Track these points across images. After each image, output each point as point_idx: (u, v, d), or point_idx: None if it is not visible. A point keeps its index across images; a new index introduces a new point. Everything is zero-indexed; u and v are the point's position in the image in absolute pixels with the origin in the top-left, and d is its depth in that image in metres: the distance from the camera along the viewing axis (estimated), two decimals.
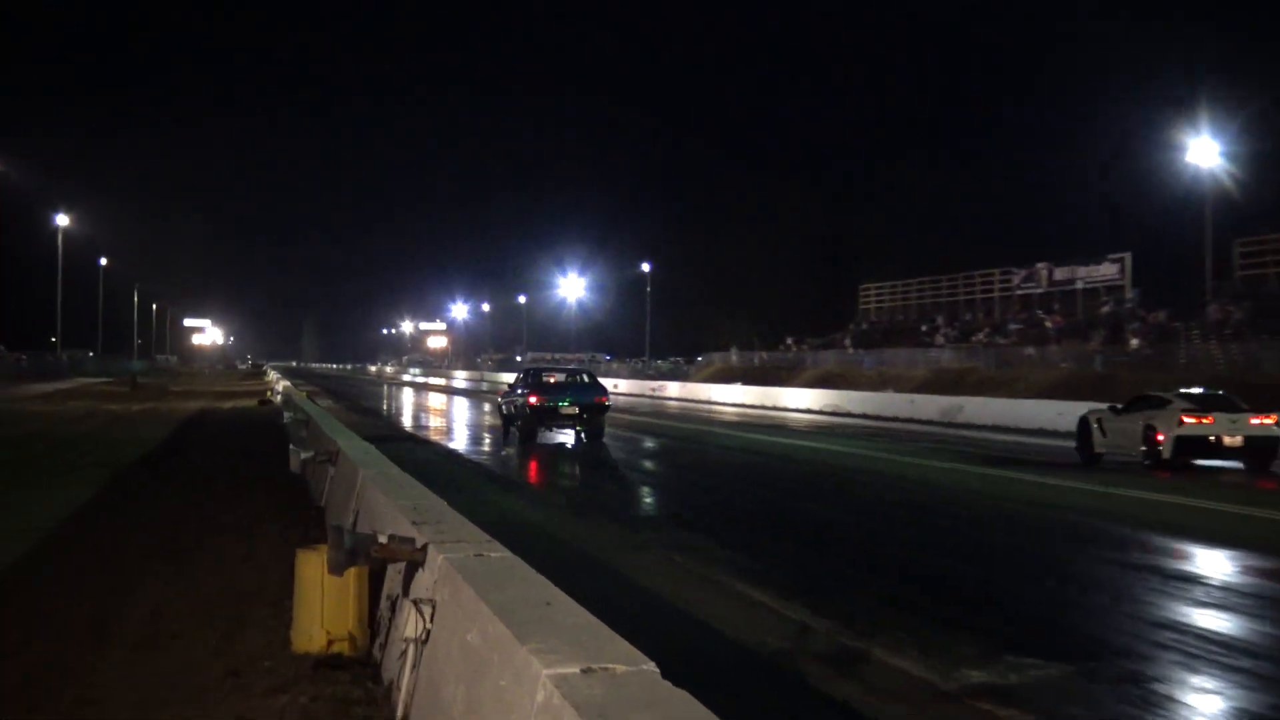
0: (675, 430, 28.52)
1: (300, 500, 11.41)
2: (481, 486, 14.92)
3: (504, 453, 20.62)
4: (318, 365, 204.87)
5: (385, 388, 68.74)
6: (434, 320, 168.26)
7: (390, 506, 6.23)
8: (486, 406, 40.59)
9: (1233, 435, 16.34)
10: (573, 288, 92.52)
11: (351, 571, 5.33)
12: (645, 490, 15.76)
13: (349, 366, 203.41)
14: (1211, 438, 16.35)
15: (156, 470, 14.95)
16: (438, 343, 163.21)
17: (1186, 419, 16.44)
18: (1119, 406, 18.39)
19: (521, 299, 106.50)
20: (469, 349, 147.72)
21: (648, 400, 52.08)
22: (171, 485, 13.12)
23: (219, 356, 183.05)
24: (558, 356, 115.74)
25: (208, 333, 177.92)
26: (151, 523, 10.22)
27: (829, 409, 40.09)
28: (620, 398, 54.75)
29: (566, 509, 12.80)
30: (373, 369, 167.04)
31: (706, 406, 45.81)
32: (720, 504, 13.79)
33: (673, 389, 56.68)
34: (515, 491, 14.56)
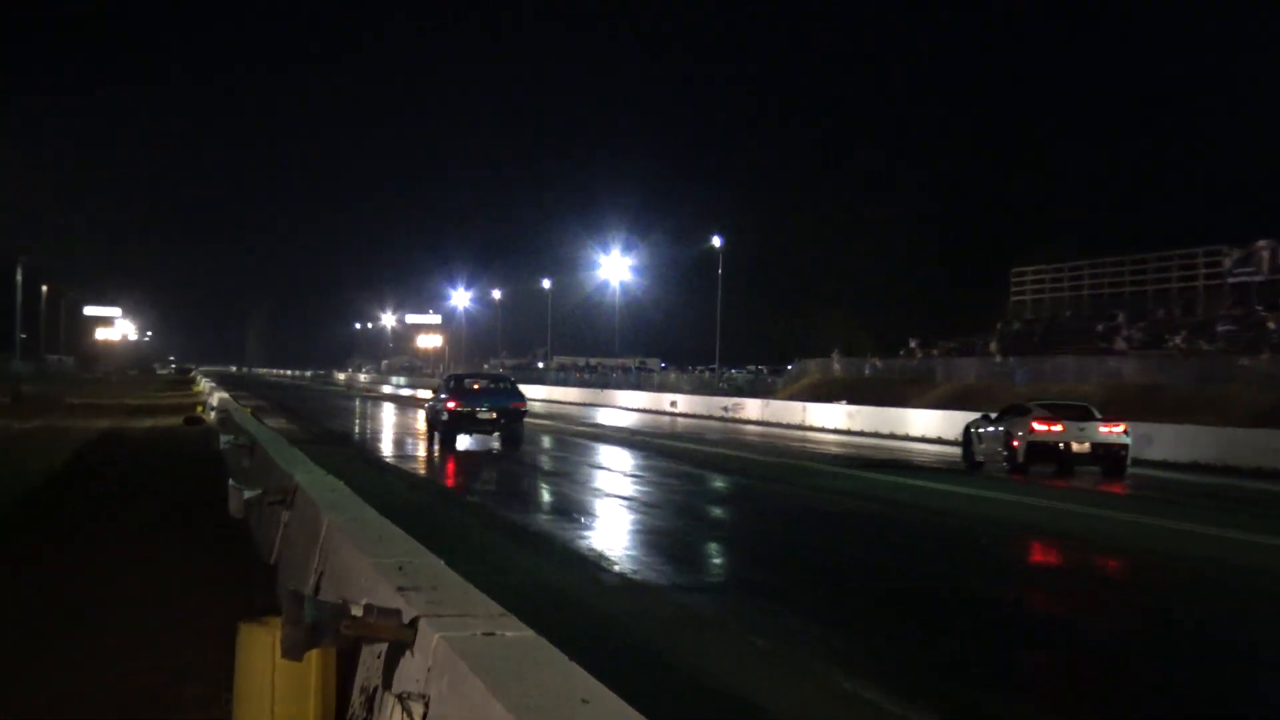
0: (755, 465, 28.42)
1: (242, 555, 11.48)
2: (489, 538, 14.95)
3: (482, 477, 20.77)
4: (267, 371, 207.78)
5: (358, 402, 69.41)
6: (425, 312, 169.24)
7: (367, 565, 6.22)
8: None
9: (1080, 442, 22.80)
10: (616, 269, 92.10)
11: (314, 655, 5.31)
12: (712, 547, 15.71)
13: (308, 374, 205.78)
14: (1061, 444, 22.78)
15: (43, 514, 14.96)
16: (430, 342, 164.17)
17: (1037, 426, 22.70)
18: (992, 415, 25.38)
19: (546, 283, 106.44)
20: (474, 351, 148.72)
21: (717, 424, 52.07)
22: (64, 535, 13.13)
23: (132, 358, 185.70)
24: (595, 362, 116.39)
25: (117, 326, 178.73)
26: (33, 589, 10.18)
27: None
28: (680, 420, 54.92)
29: (606, 571, 12.77)
30: (341, 376, 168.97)
31: (798, 433, 45.69)
32: (816, 568, 13.73)
33: (752, 408, 56.61)
34: (534, 545, 14.56)
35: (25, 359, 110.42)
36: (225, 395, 43.92)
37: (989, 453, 25.30)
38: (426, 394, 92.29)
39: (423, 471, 24.81)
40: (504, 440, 31.02)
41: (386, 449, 32.06)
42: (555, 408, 67.71)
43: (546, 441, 35.68)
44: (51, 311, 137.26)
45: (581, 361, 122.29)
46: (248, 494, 11.40)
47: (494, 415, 30.61)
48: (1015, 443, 24.05)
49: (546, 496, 21.18)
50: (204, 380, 78.85)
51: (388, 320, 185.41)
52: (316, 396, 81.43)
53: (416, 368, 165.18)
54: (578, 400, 78.13)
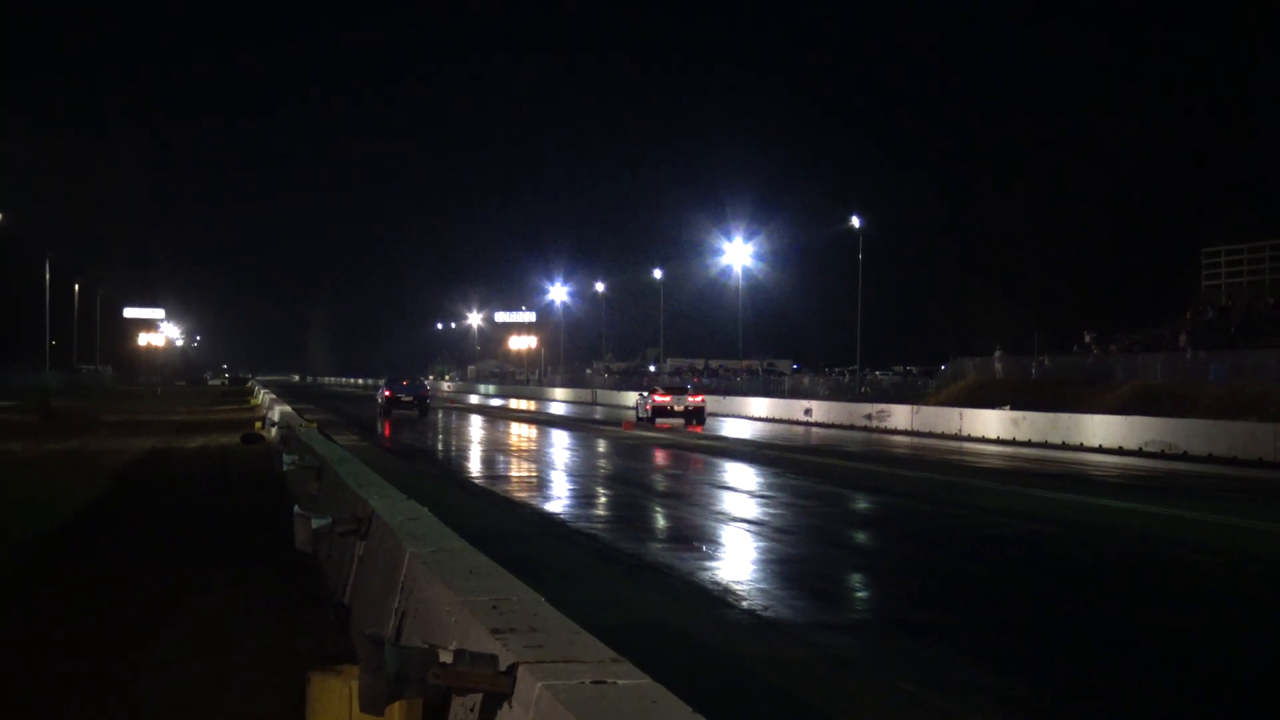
0: (904, 482, 28.18)
1: (311, 594, 11.60)
2: (598, 571, 14.97)
3: (597, 499, 20.83)
4: (334, 380, 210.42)
5: (441, 415, 70.10)
6: (517, 309, 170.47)
7: (457, 603, 6.23)
8: (603, 445, 40.89)
9: (680, 405, 53.39)
10: (738, 256, 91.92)
11: (396, 708, 5.32)
12: (855, 578, 15.58)
13: (383, 383, 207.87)
14: (670, 406, 52.36)
15: (79, 553, 14.99)
16: (524, 343, 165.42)
17: (657, 397, 51.81)
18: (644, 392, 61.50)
19: (657, 274, 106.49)
20: (573, 353, 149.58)
21: (859, 434, 51.75)
22: (103, 577, 13.18)
23: (179, 367, 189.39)
24: (715, 365, 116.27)
25: (162, 330, 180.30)
26: (71, 634, 10.31)
27: (1153, 447, 39.09)
28: (816, 430, 54.66)
29: (733, 607, 12.71)
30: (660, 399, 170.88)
31: (954, 443, 45.26)
32: (979, 602, 13.59)
33: (899, 416, 56.15)
34: (650, 579, 14.54)
35: (56, 369, 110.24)
36: (287, 408, 44.42)
37: (640, 412, 56.09)
38: (520, 404, 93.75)
39: (519, 494, 24.94)
40: (420, 412, 50.72)
41: (475, 468, 32.32)
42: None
43: (661, 458, 35.73)
44: (85, 314, 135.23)
45: (699, 364, 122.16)
46: (316, 523, 11.45)
47: (411, 398, 58.10)
48: (648, 405, 52.77)
49: (663, 522, 21.16)
50: (262, 391, 79.77)
51: (474, 319, 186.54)
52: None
53: (508, 373, 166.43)
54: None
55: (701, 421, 56.56)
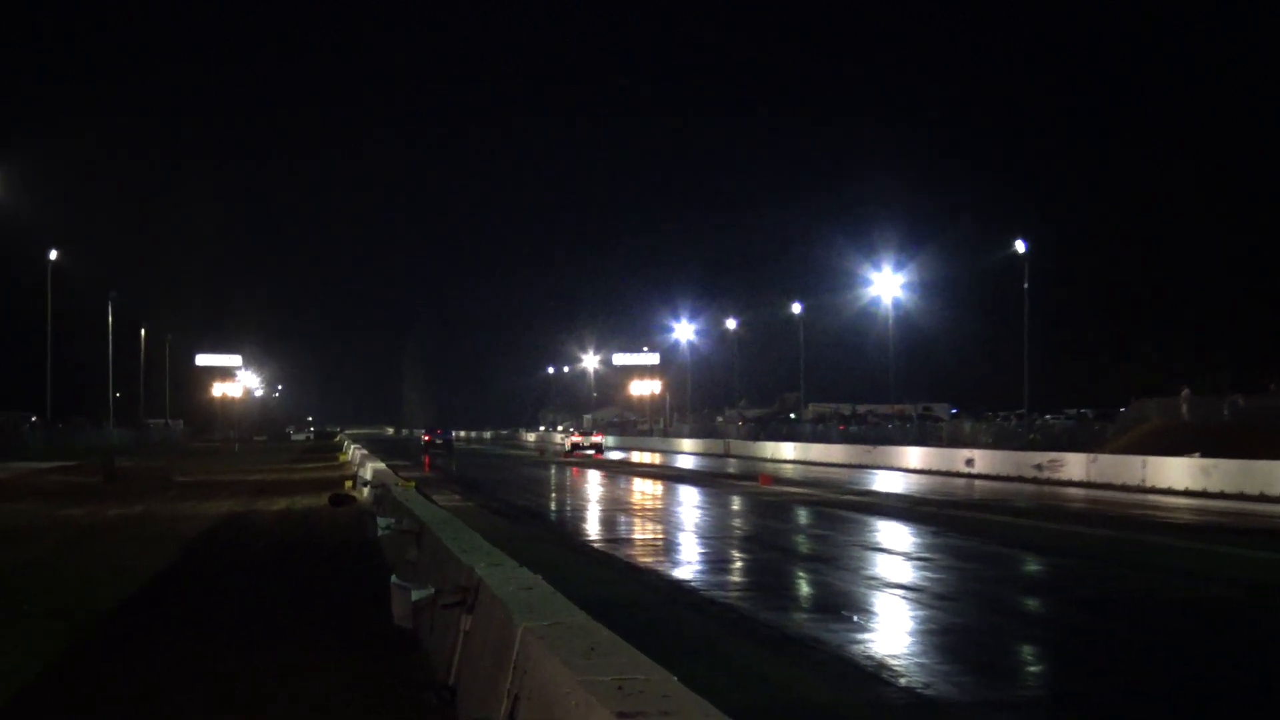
0: (1080, 541, 27.84)
1: (411, 674, 11.66)
2: (736, 645, 14.92)
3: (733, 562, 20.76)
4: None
5: (554, 470, 70.38)
6: (639, 350, 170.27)
7: (576, 684, 6.24)
8: (738, 502, 40.80)
9: (587, 442, 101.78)
10: (887, 288, 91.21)
11: None
12: (1026, 651, 15.39)
13: (487, 435, 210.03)
14: (583, 445, 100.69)
15: (148, 631, 15.04)
16: (646, 388, 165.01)
17: (574, 438, 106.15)
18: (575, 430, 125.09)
19: (796, 308, 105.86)
20: (702, 399, 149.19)
21: (1028, 487, 51.16)
22: (177, 655, 13.32)
23: (259, 421, 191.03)
24: (863, 410, 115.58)
25: (239, 380, 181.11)
26: None
27: None
28: (979, 483, 54.15)
29: (889, 685, 12.61)
30: (530, 437, 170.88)
31: (1136, 495, 44.57)
32: (1172, 679, 13.41)
33: (1074, 465, 55.42)
34: (795, 653, 14.47)
35: (121, 425, 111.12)
36: (381, 465, 44.37)
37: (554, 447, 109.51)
38: (643, 457, 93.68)
39: (644, 559, 24.91)
40: (446, 454, 74.99)
41: (593, 530, 32.34)
42: (814, 472, 67.42)
43: (804, 516, 35.57)
44: (154, 362, 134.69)
45: (845, 409, 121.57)
46: (416, 595, 11.52)
47: (440, 443, 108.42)
48: (569, 443, 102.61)
49: (808, 589, 21.07)
50: (352, 447, 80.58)
51: (590, 362, 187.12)
52: (499, 464, 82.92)
53: (628, 423, 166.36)
54: (842, 460, 77.64)
55: (601, 453, 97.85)
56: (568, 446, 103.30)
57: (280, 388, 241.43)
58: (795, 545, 28.13)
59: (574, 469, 71.38)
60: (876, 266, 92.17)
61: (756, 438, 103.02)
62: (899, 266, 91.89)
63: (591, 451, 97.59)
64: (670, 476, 61.19)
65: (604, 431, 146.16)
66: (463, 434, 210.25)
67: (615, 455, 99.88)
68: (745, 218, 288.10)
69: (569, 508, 41.34)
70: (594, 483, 56.71)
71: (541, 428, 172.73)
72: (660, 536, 30.64)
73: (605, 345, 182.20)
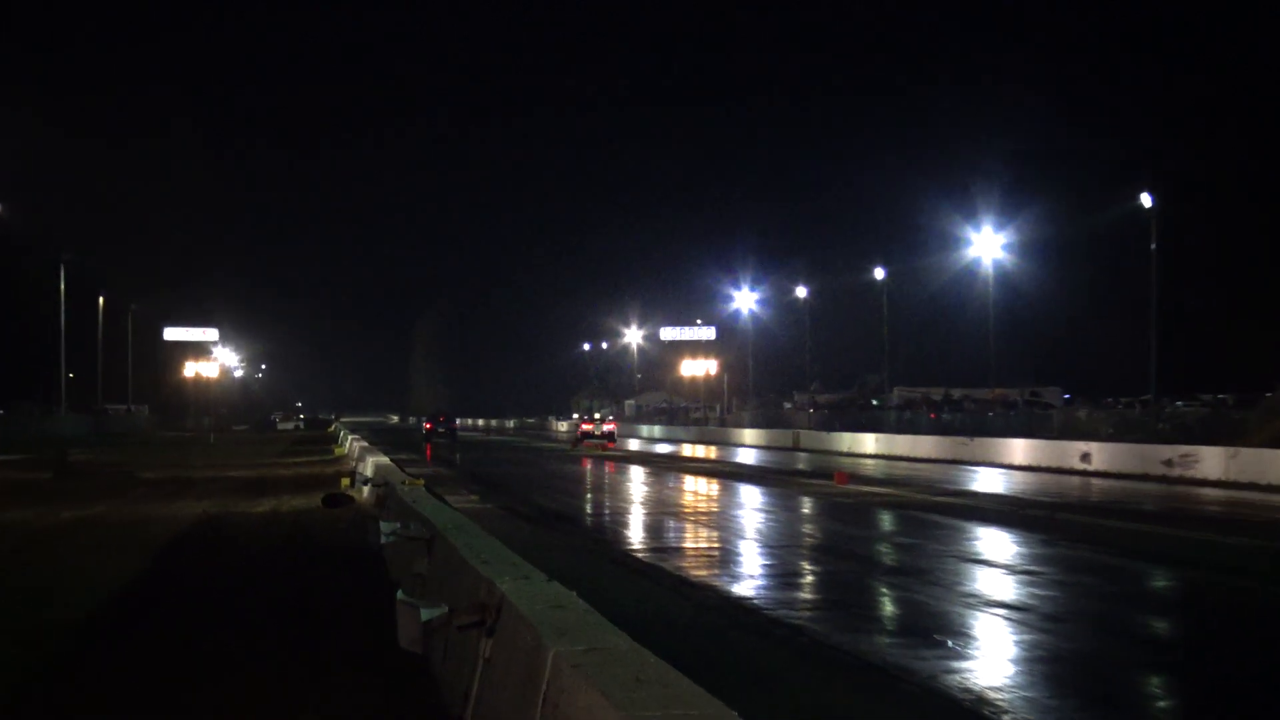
0: (1216, 551, 27.87)
1: (417, 707, 11.73)
2: (800, 673, 14.99)
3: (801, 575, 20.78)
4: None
5: (590, 466, 70.38)
6: (692, 323, 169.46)
7: None
8: (809, 504, 40.79)
9: (598, 430, 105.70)
10: (988, 247, 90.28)
11: None
12: (1153, 682, 15.35)
13: (510, 424, 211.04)
14: (593, 432, 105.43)
15: (111, 658, 15.01)
16: (699, 368, 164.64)
17: (583, 426, 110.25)
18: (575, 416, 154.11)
19: (879, 273, 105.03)
20: (767, 382, 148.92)
21: (1156, 486, 50.99)
22: (146, 685, 13.33)
23: (240, 406, 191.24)
24: (958, 395, 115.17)
25: (215, 358, 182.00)
26: None
27: None
28: (1096, 481, 53.98)
29: None
30: (561, 427, 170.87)
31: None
32: None
33: (1210, 461, 55.15)
34: (877, 684, 14.48)
35: (76, 410, 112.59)
36: (384, 460, 44.40)
37: (569, 440, 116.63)
38: (696, 450, 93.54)
39: (696, 571, 24.92)
40: (449, 439, 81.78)
41: (636, 537, 32.38)
42: (900, 468, 67.28)
43: (888, 522, 35.55)
44: (115, 338, 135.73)
45: (936, 394, 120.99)
46: (427, 614, 11.53)
47: (444, 430, 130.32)
48: (579, 431, 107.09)
49: (892, 607, 21.07)
50: (350, 438, 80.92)
51: (632, 338, 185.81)
52: (524, 457, 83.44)
53: (678, 409, 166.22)
54: (933, 455, 77.44)
55: (613, 442, 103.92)
56: (576, 435, 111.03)
57: (264, 367, 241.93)
58: (877, 555, 28.15)
59: (610, 464, 71.42)
60: (974, 226, 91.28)
61: (831, 427, 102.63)
62: (1000, 226, 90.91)
63: (603, 441, 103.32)
64: (727, 473, 61.29)
65: (650, 420, 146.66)
66: (480, 423, 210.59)
67: (663, 448, 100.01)
68: (816, 172, 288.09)
69: (607, 510, 41.47)
70: (637, 481, 56.74)
71: (575, 415, 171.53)
72: (716, 545, 30.68)
73: (651, 318, 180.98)
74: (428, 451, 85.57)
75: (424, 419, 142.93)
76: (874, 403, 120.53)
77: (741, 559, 27.62)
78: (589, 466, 69.79)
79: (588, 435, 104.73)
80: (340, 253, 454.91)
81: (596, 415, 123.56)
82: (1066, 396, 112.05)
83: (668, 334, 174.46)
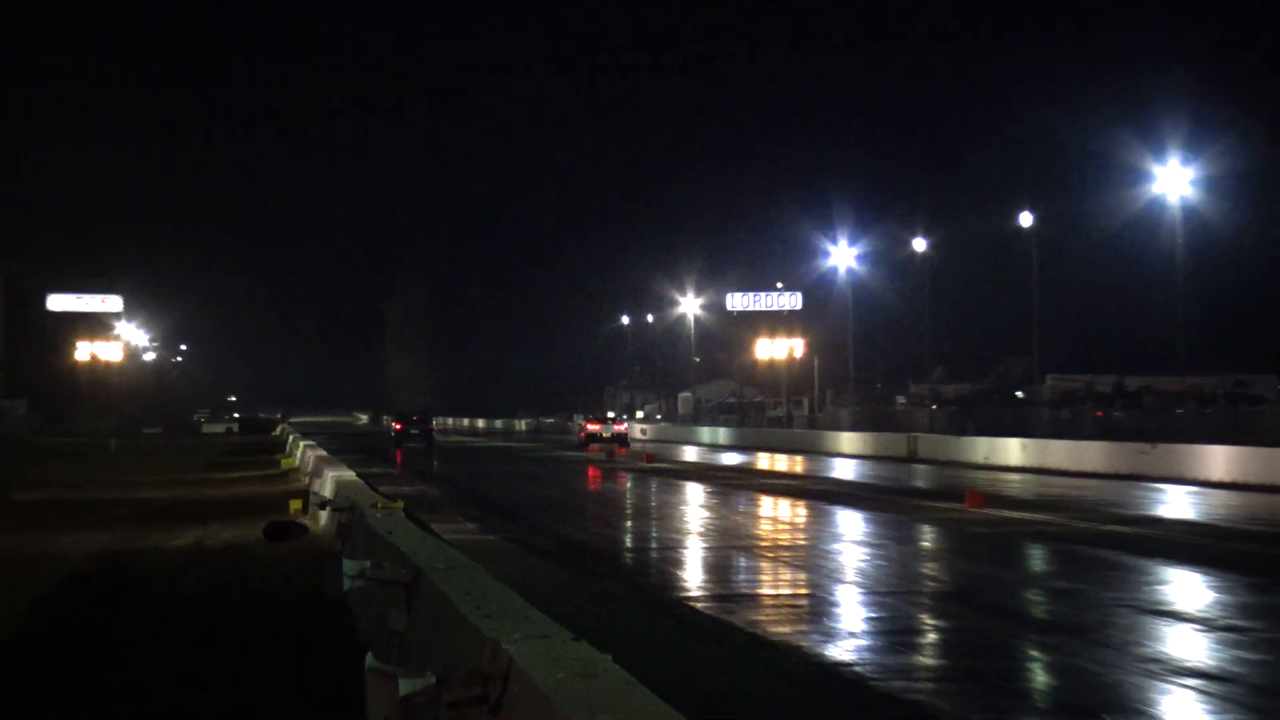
0: None
1: None
2: None
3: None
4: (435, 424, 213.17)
5: (630, 483, 70.54)
6: (770, 289, 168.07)
7: None
8: (930, 536, 40.82)
9: (607, 432, 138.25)
10: (1173, 183, 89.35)
11: None
12: None
13: (521, 425, 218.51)
14: (600, 433, 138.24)
15: None
16: (781, 349, 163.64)
17: (590, 425, 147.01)
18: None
19: (1026, 220, 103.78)
20: (873, 367, 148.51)
21: None
22: None
23: (151, 402, 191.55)
24: (1137, 385, 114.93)
25: (120, 335, 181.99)
26: None
27: None
28: None
29: None
30: (592, 427, 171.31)
31: None
32: None
33: None
34: None
35: None
36: (349, 475, 43.77)
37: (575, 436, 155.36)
38: (776, 462, 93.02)
39: (777, 627, 24.96)
40: (426, 445, 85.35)
41: (694, 580, 32.45)
42: (1054, 485, 67.06)
43: (1039, 559, 35.65)
44: None
45: (1104, 384, 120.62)
46: (408, 685, 11.59)
47: (418, 431, 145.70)
48: (581, 433, 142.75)
49: (1046, 678, 21.12)
50: (302, 444, 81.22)
51: (689, 308, 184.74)
52: (539, 471, 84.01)
53: (750, 405, 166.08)
54: (1101, 467, 77.16)
55: (625, 446, 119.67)
56: (580, 438, 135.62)
57: (185, 349, 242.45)
58: (1025, 606, 28.24)
59: (657, 479, 71.47)
60: (1154, 156, 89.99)
61: (960, 430, 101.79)
62: (1189, 158, 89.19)
63: (613, 445, 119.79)
64: (818, 492, 61.34)
65: (713, 419, 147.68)
66: (480, 424, 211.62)
67: (732, 458, 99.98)
68: (943, 92, 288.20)
69: (653, 543, 41.78)
70: (694, 502, 56.89)
71: (610, 414, 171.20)
72: (803, 591, 30.83)
73: (714, 283, 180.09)
74: (398, 459, 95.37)
75: (392, 420, 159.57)
76: (1018, 396, 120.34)
77: (839, 610, 27.68)
78: (628, 484, 69.96)
79: (594, 438, 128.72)
80: (295, 202, 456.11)
81: (610, 414, 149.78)
82: None
83: (737, 302, 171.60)
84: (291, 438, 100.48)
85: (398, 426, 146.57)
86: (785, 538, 42.84)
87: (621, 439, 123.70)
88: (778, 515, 50.30)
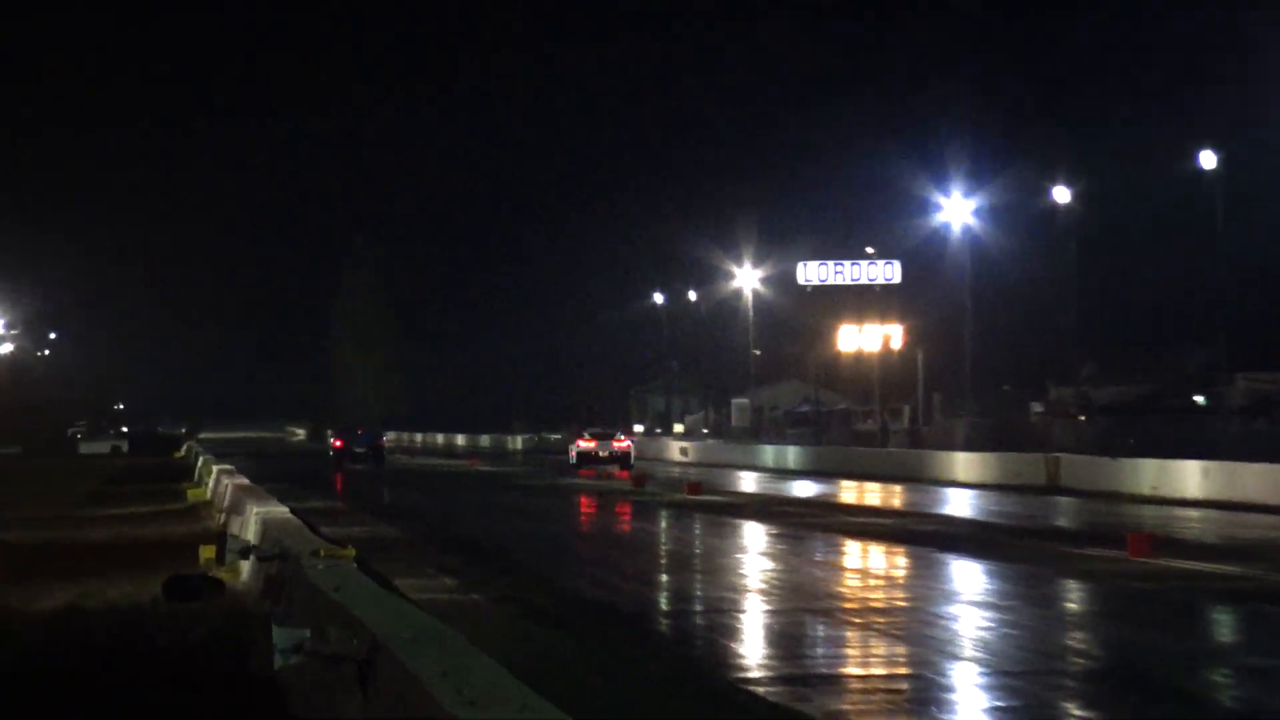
0: None
1: None
2: None
3: None
4: (392, 439, 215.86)
5: (663, 519, 70.91)
6: (857, 258, 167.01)
7: None
8: (1077, 595, 40.74)
9: (604, 451, 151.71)
10: None
11: None
12: None
13: (518, 441, 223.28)
14: (596, 453, 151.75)
15: None
16: (872, 338, 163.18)
17: (582, 442, 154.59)
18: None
19: (1209, 161, 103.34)
20: (997, 364, 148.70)
21: None
22: None
23: (8, 407, 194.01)
24: None
25: None
26: None
27: None
28: None
29: None
30: (585, 445, 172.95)
31: None
32: None
33: None
34: None
35: None
36: (280, 511, 44.82)
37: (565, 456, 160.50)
38: (865, 494, 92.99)
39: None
40: (375, 461, 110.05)
41: (753, 653, 32.42)
42: (1251, 524, 66.87)
43: (1228, 626, 35.45)
44: None
45: None
46: None
47: (364, 449, 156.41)
48: (573, 451, 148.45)
49: None
50: (216, 469, 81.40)
51: (745, 281, 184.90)
52: (538, 505, 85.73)
53: (829, 415, 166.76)
54: None
55: (626, 468, 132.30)
56: (572, 457, 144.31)
57: (54, 337, 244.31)
58: (1210, 689, 28.12)
59: (702, 516, 71.81)
60: None
61: (1117, 450, 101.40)
62: None
63: (612, 465, 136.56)
64: (923, 535, 61.94)
65: (779, 434, 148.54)
66: (460, 441, 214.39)
67: (805, 487, 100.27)
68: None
69: (698, 604, 41.92)
70: (753, 549, 57.30)
71: (638, 428, 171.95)
72: (903, 670, 30.86)
73: (777, 248, 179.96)
74: (338, 484, 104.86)
75: (331, 435, 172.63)
76: (1197, 401, 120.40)
77: (952, 698, 27.57)
78: (663, 524, 70.31)
79: (588, 457, 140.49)
80: (213, 154, 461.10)
81: (600, 429, 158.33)
82: None
83: (812, 274, 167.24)
84: (202, 460, 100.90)
85: (337, 444, 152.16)
86: (879, 597, 42.76)
87: (623, 459, 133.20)
88: (868, 567, 50.43)
